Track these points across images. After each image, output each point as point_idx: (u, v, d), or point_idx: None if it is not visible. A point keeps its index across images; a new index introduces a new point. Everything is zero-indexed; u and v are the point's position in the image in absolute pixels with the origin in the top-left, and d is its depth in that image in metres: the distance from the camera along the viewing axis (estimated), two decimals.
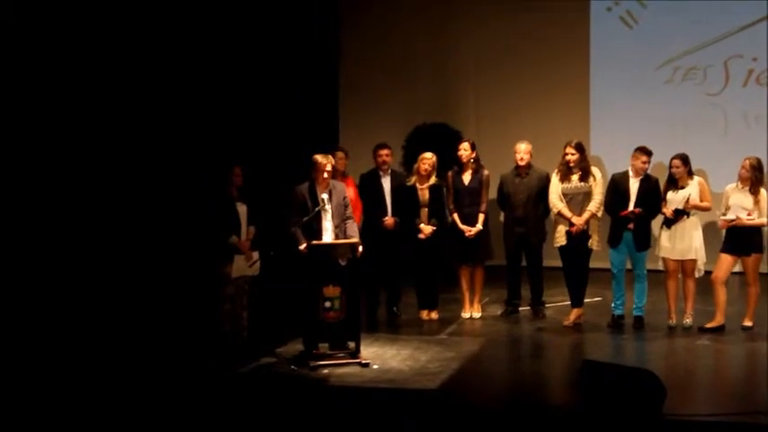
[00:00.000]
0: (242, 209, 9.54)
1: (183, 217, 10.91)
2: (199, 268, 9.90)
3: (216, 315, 9.45)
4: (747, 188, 10.01)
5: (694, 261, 10.24)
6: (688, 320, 10.34)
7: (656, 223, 10.63)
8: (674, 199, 10.22)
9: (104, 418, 7.52)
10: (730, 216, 9.98)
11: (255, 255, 9.55)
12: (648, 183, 10.35)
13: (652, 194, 10.32)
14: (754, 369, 9.26)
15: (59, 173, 10.36)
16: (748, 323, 10.20)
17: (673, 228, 10.25)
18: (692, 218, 10.21)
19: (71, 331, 9.78)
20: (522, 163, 10.86)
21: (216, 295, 9.41)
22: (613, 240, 10.44)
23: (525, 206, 10.85)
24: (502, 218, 11.26)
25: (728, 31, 14.00)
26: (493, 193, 11.17)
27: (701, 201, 10.19)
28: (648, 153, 10.34)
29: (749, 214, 9.91)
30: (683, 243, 10.23)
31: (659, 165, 11.25)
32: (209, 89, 12.16)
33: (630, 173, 10.40)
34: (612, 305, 10.62)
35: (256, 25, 13.19)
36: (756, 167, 10.03)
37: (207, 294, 9.61)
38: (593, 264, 10.76)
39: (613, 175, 10.64)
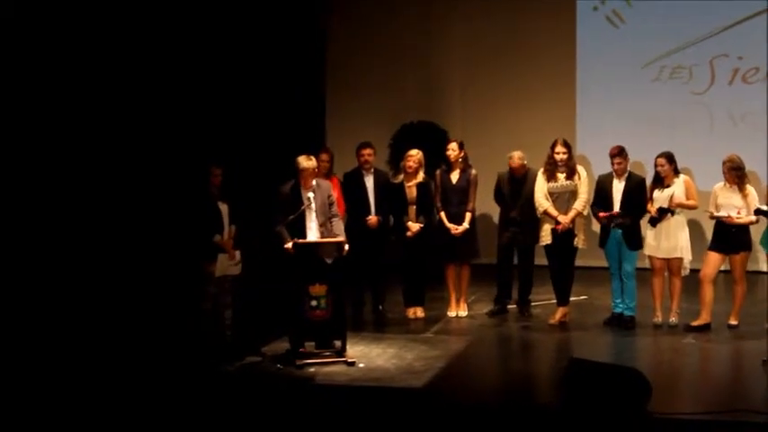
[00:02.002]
0: (223, 208, 9.60)
1: (167, 216, 10.88)
2: (182, 267, 9.91)
3: (199, 314, 9.47)
4: (735, 186, 10.03)
5: (680, 259, 10.25)
6: (673, 319, 10.36)
7: (644, 221, 10.66)
8: (660, 198, 10.23)
9: (89, 418, 7.51)
10: (723, 213, 9.98)
11: (237, 254, 9.61)
12: (632, 182, 10.37)
13: (636, 193, 10.34)
14: (739, 367, 9.32)
15: (44, 172, 10.32)
16: (734, 321, 10.22)
17: (658, 226, 10.26)
18: (677, 216, 10.22)
19: (54, 332, 9.72)
20: (515, 174, 10.89)
21: (199, 294, 9.44)
22: (602, 240, 10.46)
23: (521, 208, 10.84)
24: (483, 219, 11.26)
25: (714, 30, 14.03)
26: (487, 192, 11.19)
27: (687, 199, 10.19)
28: (616, 153, 10.35)
29: (738, 212, 9.93)
30: (668, 242, 10.24)
31: (646, 163, 11.27)
32: (195, 89, 12.12)
33: (614, 173, 10.43)
34: (612, 303, 10.64)
35: (242, 25, 13.14)
36: (735, 168, 10.04)
37: (190, 294, 9.62)
38: (578, 262, 10.79)
39: (599, 177, 10.67)
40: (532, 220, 10.84)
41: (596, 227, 10.80)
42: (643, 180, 10.48)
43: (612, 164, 10.40)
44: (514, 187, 10.91)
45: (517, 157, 10.91)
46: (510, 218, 10.93)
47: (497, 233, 11.14)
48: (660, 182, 10.26)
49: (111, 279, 10.73)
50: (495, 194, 11.15)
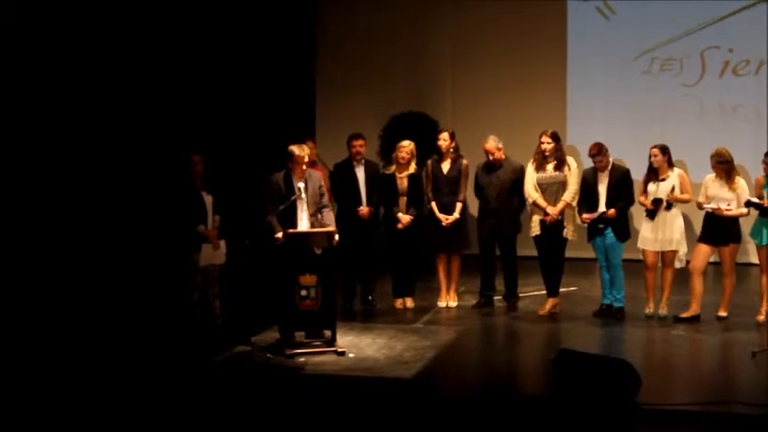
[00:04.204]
0: (207, 198, 9.68)
1: (151, 207, 10.88)
2: (167, 258, 9.92)
3: (186, 304, 9.50)
4: (724, 179, 10.04)
5: (674, 252, 10.26)
6: (663, 311, 10.37)
7: (638, 214, 10.67)
8: (656, 191, 10.22)
9: (77, 409, 7.50)
10: (712, 205, 9.99)
11: (222, 243, 9.67)
12: (616, 174, 10.38)
13: (621, 185, 10.35)
14: (728, 359, 9.32)
15: (30, 165, 10.32)
16: (723, 313, 10.24)
17: (655, 219, 10.24)
18: (673, 209, 10.22)
19: (39, 324, 9.70)
20: (491, 160, 10.83)
21: (185, 284, 9.46)
22: (590, 234, 10.47)
23: (498, 198, 10.80)
24: (474, 210, 11.25)
25: (705, 22, 14.04)
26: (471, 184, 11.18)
27: (682, 193, 10.19)
28: (595, 153, 10.34)
29: (728, 204, 9.94)
30: (664, 234, 10.24)
31: (636, 155, 11.27)
32: (181, 78, 12.09)
33: (597, 169, 10.45)
34: (601, 294, 10.65)
35: (230, 14, 13.10)
36: (722, 161, 10.04)
37: (176, 283, 9.64)
38: (568, 253, 10.79)
39: (583, 172, 10.66)
40: (512, 210, 10.83)
41: None
42: (627, 171, 10.49)
43: (594, 162, 10.41)
44: (491, 176, 10.86)
45: (492, 139, 10.83)
46: (489, 209, 10.89)
47: (477, 226, 11.11)
48: (654, 173, 10.27)
49: (97, 271, 10.72)
50: (474, 188, 11.11)
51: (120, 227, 11.09)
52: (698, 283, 10.15)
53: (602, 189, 10.34)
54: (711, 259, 10.37)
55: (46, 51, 10.49)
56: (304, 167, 9.40)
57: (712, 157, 10.11)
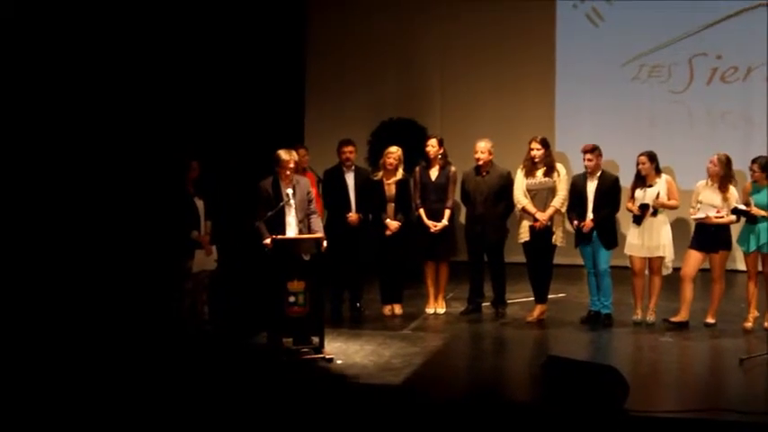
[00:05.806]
0: (199, 204, 9.73)
1: (144, 213, 10.87)
2: (160, 263, 9.91)
3: (177, 309, 9.48)
4: (717, 185, 10.05)
5: (661, 258, 10.27)
6: (651, 317, 10.38)
7: (625, 221, 10.67)
8: (643, 197, 10.23)
9: (67, 412, 7.48)
10: (700, 214, 10.01)
11: (214, 249, 9.75)
12: (605, 180, 10.39)
13: (610, 192, 10.36)
14: (716, 366, 9.32)
15: (24, 167, 10.31)
16: (711, 320, 10.25)
17: (641, 225, 10.25)
18: (660, 215, 10.24)
19: (29, 327, 9.68)
20: (479, 162, 10.82)
21: (177, 290, 9.45)
22: (578, 240, 10.47)
23: (485, 204, 10.79)
24: (463, 217, 11.25)
25: (693, 29, 14.07)
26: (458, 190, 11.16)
27: (669, 199, 10.20)
28: (588, 150, 10.36)
29: (718, 212, 9.95)
30: (651, 240, 10.25)
31: (625, 162, 11.28)
32: (172, 85, 12.09)
33: (586, 173, 10.44)
34: (589, 301, 10.67)
35: (223, 21, 13.10)
36: (724, 163, 10.06)
37: (168, 289, 9.63)
38: (557, 260, 10.78)
39: (573, 178, 10.67)
40: (497, 217, 10.82)
41: None
42: (616, 178, 10.50)
43: (584, 159, 10.41)
44: (478, 182, 10.83)
45: (480, 150, 10.78)
46: (475, 215, 10.87)
47: (464, 232, 11.09)
48: (642, 180, 10.28)
49: (89, 276, 10.69)
50: (461, 194, 11.11)
51: (112, 232, 11.06)
52: (688, 290, 10.16)
53: (591, 194, 10.35)
54: (702, 266, 10.38)
55: (44, 53, 10.49)
56: (288, 173, 9.40)
57: (714, 160, 10.08)
